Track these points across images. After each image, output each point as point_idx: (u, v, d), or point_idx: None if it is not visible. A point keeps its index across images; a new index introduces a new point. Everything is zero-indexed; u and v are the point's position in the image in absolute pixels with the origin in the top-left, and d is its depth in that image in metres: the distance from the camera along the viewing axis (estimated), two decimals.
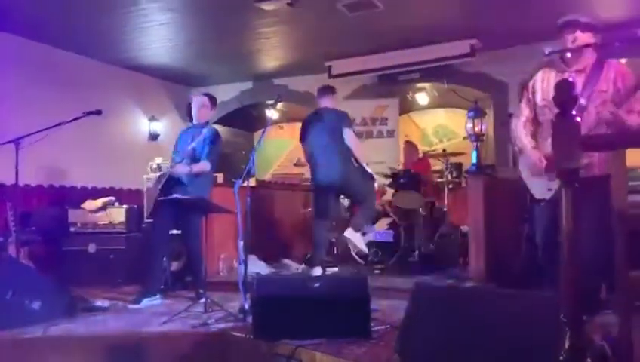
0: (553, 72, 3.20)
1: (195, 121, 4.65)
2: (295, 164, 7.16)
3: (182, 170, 4.38)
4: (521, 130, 3.28)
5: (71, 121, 4.20)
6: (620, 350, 1.66)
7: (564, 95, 1.71)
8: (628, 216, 2.11)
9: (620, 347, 1.65)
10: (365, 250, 5.17)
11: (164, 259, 4.75)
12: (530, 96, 3.30)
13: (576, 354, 1.63)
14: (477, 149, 5.24)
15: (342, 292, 3.10)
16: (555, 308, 1.74)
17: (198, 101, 4.64)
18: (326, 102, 5.18)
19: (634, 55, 5.77)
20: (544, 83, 3.23)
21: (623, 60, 6.29)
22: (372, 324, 3.11)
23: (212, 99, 4.71)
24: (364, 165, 5.19)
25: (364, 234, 5.15)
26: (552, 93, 3.02)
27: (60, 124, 4.17)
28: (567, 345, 1.64)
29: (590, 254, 2.73)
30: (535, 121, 3.28)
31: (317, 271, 4.97)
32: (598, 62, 3.12)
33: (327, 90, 5.25)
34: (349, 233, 4.97)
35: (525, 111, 3.30)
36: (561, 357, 1.64)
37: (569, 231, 1.72)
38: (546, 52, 2.92)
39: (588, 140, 1.70)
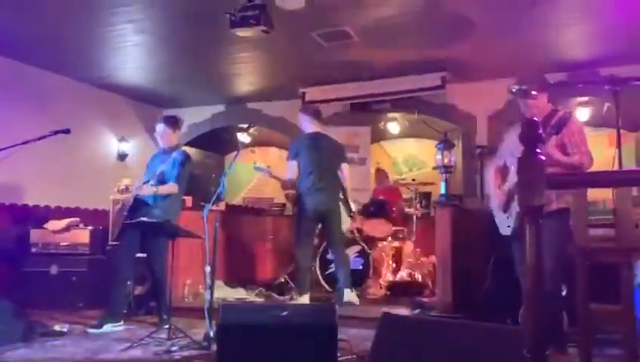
0: (517, 125, 3.37)
1: (163, 146, 4.60)
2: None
3: (148, 191, 4.32)
4: (491, 175, 3.62)
5: (38, 139, 4.10)
6: None
7: (530, 133, 1.77)
8: (588, 251, 2.17)
9: None
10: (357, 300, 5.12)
11: (129, 283, 4.64)
12: (502, 145, 3.61)
13: None
14: (446, 180, 5.34)
15: (309, 321, 3.07)
16: (520, 341, 1.77)
17: (158, 130, 4.59)
18: (318, 128, 5.18)
19: (595, 94, 6.02)
20: (509, 133, 3.53)
21: (585, 98, 6.56)
22: (338, 354, 3.09)
23: (172, 123, 4.61)
24: (351, 202, 5.29)
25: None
26: (515, 142, 3.23)
27: (27, 142, 4.07)
28: None
29: (549, 287, 2.85)
30: (505, 170, 3.52)
31: (305, 300, 4.84)
32: (551, 112, 3.27)
33: (320, 115, 5.30)
34: (347, 297, 4.93)
35: (498, 161, 3.59)
36: None
37: (533, 266, 1.75)
38: (513, 90, 3.04)
39: (553, 178, 1.75)
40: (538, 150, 1.77)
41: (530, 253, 1.74)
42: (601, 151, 6.97)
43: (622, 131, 3.17)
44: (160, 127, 4.57)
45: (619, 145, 3.08)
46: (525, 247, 1.76)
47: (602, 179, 1.63)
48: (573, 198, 1.75)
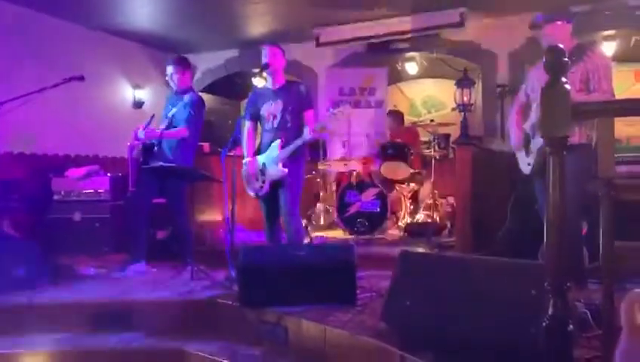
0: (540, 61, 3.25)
1: (175, 89, 4.53)
2: None
3: (151, 135, 4.30)
4: (513, 113, 3.53)
5: (52, 86, 4.07)
6: (603, 318, 1.69)
7: (555, 60, 1.69)
8: (614, 186, 2.11)
9: (603, 315, 1.67)
10: None
11: (150, 227, 4.71)
12: (525, 84, 3.48)
13: (558, 321, 1.65)
14: (465, 119, 5.23)
15: (328, 260, 3.11)
16: (540, 276, 1.76)
17: (168, 72, 4.50)
18: None
19: (623, 26, 5.76)
20: (532, 69, 3.45)
21: (612, 32, 6.29)
22: (357, 292, 3.14)
23: (181, 63, 4.49)
24: None
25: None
26: (537, 77, 3.13)
27: (41, 90, 4.06)
28: (550, 311, 1.66)
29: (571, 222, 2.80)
30: (527, 107, 3.42)
31: None
32: (575, 47, 3.12)
33: None
34: None
35: (521, 97, 3.49)
36: (543, 324, 1.66)
37: (554, 199, 1.71)
38: (534, 22, 2.92)
39: (578, 108, 1.68)
40: (563, 79, 1.70)
41: (552, 185, 1.70)
42: (628, 87, 6.78)
43: None
44: (169, 68, 4.47)
45: None
46: (547, 182, 1.72)
47: (632, 108, 1.56)
48: (599, 128, 1.68)
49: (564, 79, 1.67)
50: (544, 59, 1.67)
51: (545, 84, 1.67)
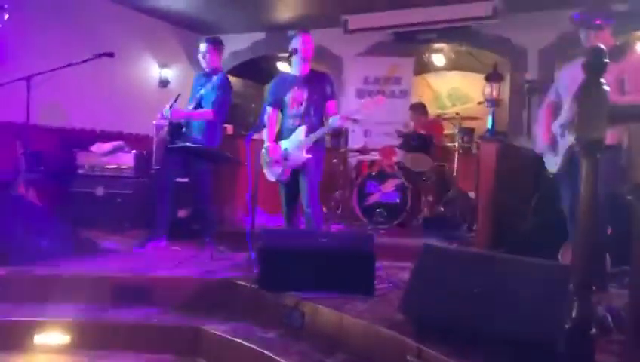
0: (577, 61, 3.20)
1: (205, 68, 4.55)
2: None
3: (177, 114, 4.32)
4: (542, 113, 3.49)
5: (82, 62, 4.12)
6: (628, 322, 1.67)
7: (595, 60, 1.66)
8: None
9: (629, 319, 1.66)
10: None
11: (172, 206, 4.76)
12: (556, 83, 3.44)
13: (582, 323, 1.65)
14: (493, 115, 5.17)
15: (348, 248, 3.11)
16: (565, 277, 1.75)
17: (201, 50, 4.50)
18: None
19: None
20: (565, 68, 3.42)
21: None
22: (375, 282, 3.14)
23: (215, 43, 4.49)
24: None
25: None
26: (571, 76, 3.09)
27: (70, 65, 4.11)
28: (574, 313, 1.65)
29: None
30: (558, 106, 3.37)
31: None
32: (614, 48, 3.05)
33: None
34: None
35: (551, 96, 3.45)
36: (567, 326, 1.65)
37: (586, 202, 1.70)
38: (575, 18, 2.87)
39: (615, 110, 1.65)
40: (602, 80, 1.67)
41: (584, 188, 1.68)
42: None
43: None
44: (203, 46, 4.48)
45: None
46: (575, 183, 1.70)
47: None
48: (633, 132, 1.66)
49: (602, 80, 1.65)
50: (584, 59, 1.64)
51: (582, 84, 1.65)
